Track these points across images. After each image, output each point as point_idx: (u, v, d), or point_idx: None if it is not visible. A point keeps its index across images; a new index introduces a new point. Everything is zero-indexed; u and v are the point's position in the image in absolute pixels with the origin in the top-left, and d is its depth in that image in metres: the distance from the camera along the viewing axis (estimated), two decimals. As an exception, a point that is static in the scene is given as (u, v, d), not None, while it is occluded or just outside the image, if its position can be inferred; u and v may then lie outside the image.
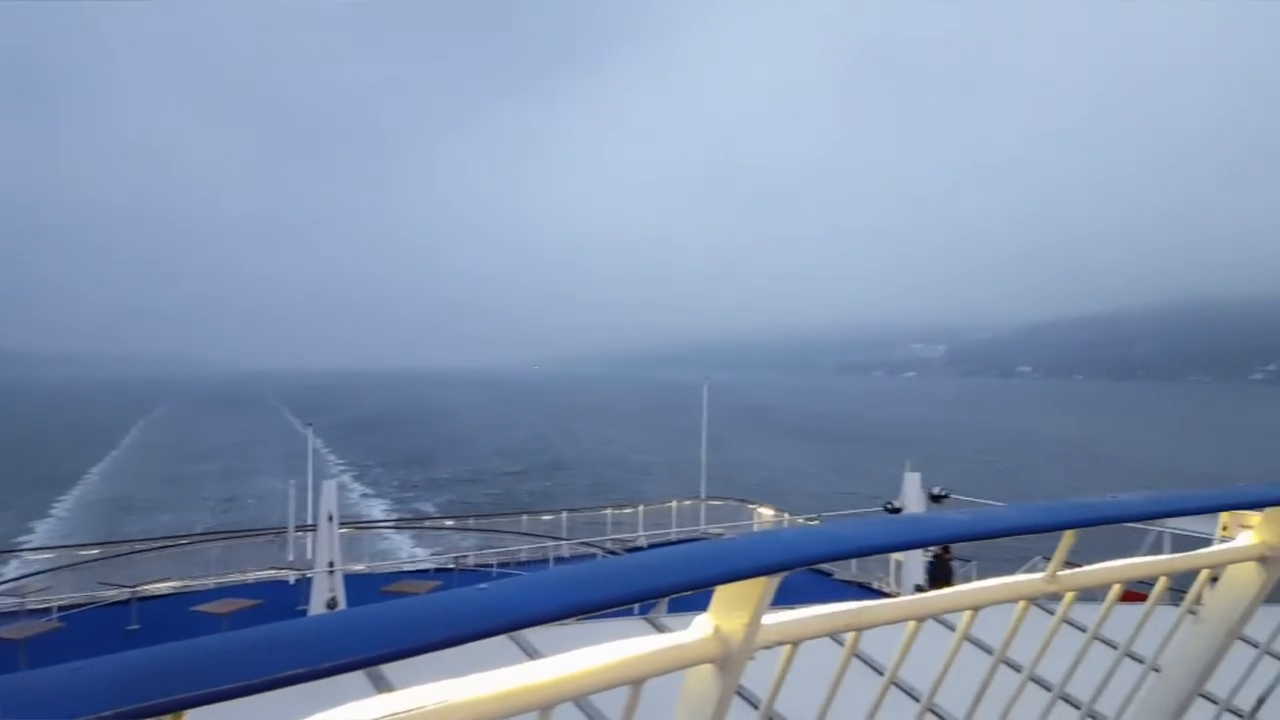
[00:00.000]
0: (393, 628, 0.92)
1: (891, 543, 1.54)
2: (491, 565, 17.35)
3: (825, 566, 14.24)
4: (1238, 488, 2.04)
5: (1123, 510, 1.78)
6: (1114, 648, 2.02)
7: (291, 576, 15.87)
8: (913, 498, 14.03)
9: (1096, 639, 1.93)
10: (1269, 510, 2.08)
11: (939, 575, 13.64)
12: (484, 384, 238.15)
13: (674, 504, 21.22)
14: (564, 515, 20.43)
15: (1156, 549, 9.62)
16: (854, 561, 15.94)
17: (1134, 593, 2.31)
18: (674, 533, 20.13)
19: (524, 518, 21.42)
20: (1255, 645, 2.25)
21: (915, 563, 13.78)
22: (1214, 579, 2.14)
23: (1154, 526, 10.20)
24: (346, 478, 50.17)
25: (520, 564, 17.61)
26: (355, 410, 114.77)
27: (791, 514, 20.53)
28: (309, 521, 17.44)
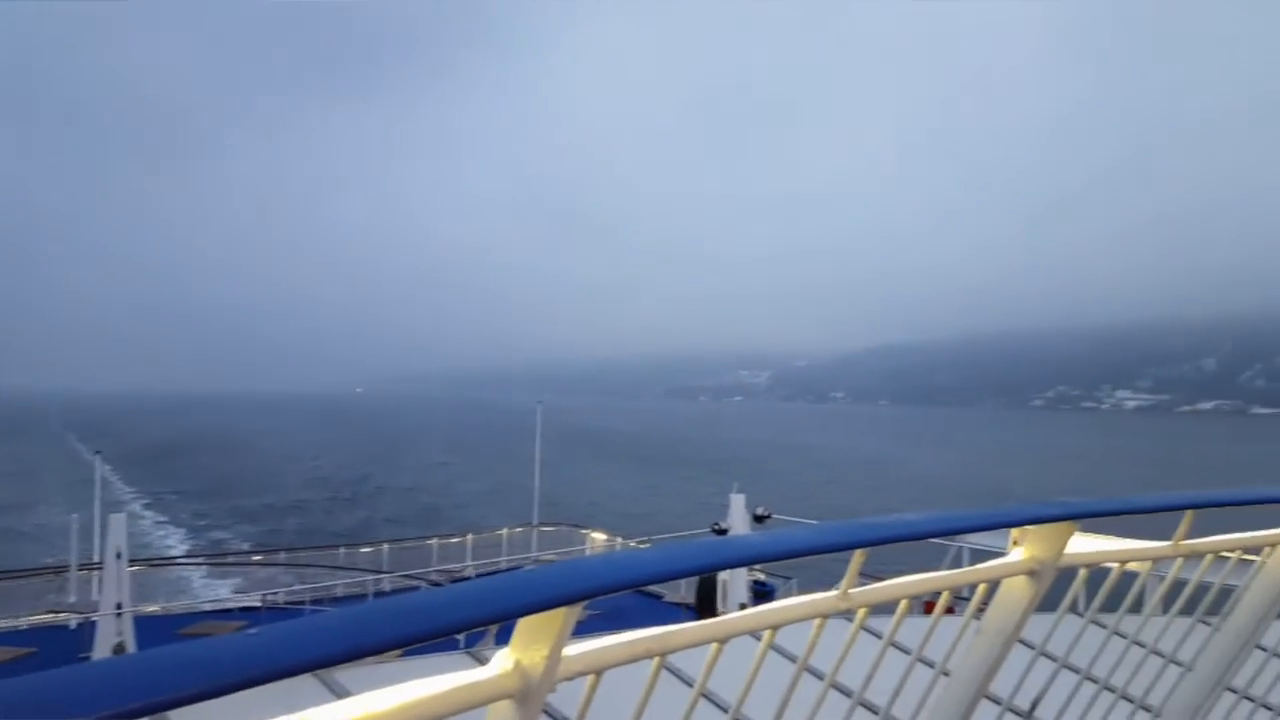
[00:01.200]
0: (166, 672, 0.87)
1: (687, 567, 1.55)
2: (304, 603, 16.42)
3: (656, 589, 14.52)
4: (1012, 507, 2.22)
5: (908, 530, 1.89)
6: (910, 655, 2.18)
7: (73, 620, 14.36)
8: (738, 519, 14.59)
9: (894, 647, 2.05)
10: (1033, 528, 2.27)
11: (704, 599, 14.02)
12: (301, 408, 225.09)
13: (505, 532, 20.98)
14: (385, 547, 19.78)
15: (957, 563, 10.55)
16: (682, 583, 16.35)
17: (934, 604, 2.62)
18: (504, 561, 19.89)
19: (341, 551, 20.51)
20: (1032, 648, 2.54)
21: (740, 583, 14.31)
22: (995, 590, 2.35)
23: (954, 542, 11.15)
24: (138, 506, 45.87)
25: (336, 600, 16.76)
26: (153, 435, 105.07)
27: (624, 538, 20.80)
28: (95, 559, 15.85)
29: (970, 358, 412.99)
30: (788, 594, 14.33)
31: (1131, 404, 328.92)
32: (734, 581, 14.42)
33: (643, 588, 1.35)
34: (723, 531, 14.39)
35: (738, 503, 14.70)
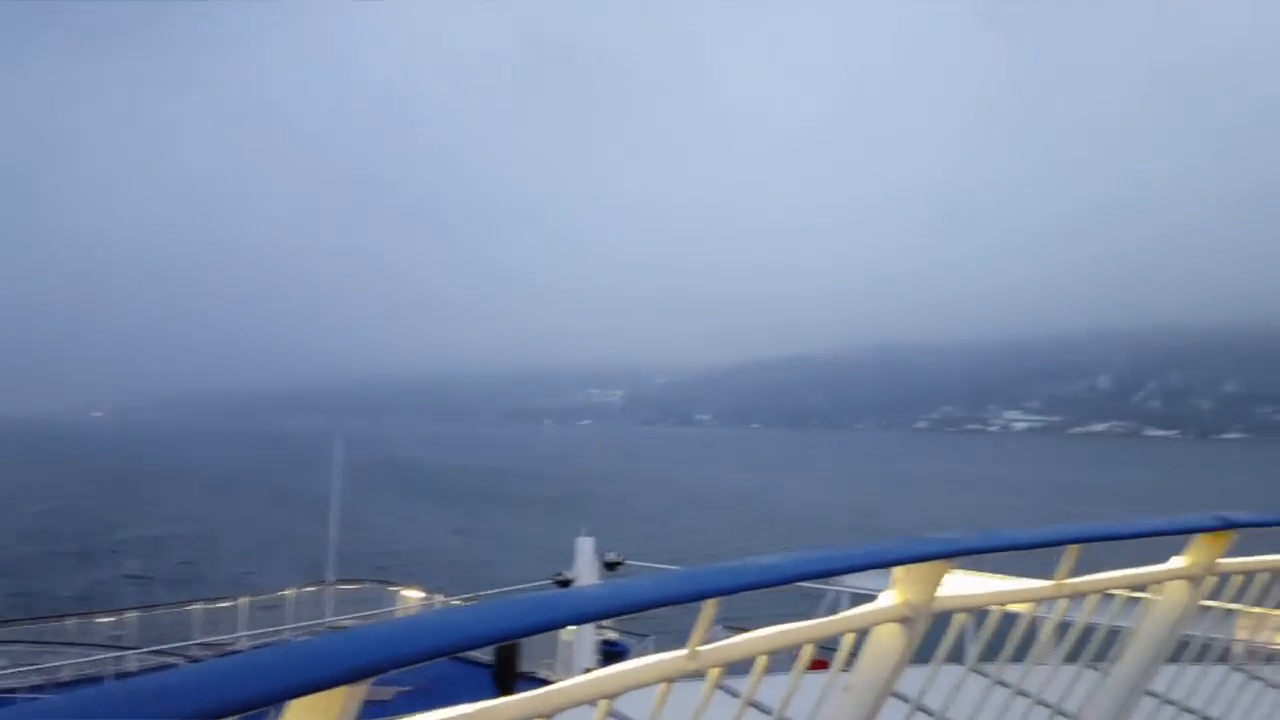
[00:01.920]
0: None
1: (499, 629, 1.50)
2: (16, 691, 15.18)
3: (479, 656, 14.28)
4: (883, 544, 2.29)
5: (765, 575, 1.90)
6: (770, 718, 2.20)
7: None
8: (586, 567, 14.64)
9: (755, 709, 2.07)
10: (907, 568, 2.32)
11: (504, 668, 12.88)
12: (13, 437, 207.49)
13: (291, 593, 20.20)
14: (132, 615, 18.72)
15: (835, 609, 10.95)
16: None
17: (819, 660, 2.67)
18: (289, 629, 19.10)
19: (70, 621, 19.13)
20: (907, 702, 2.65)
21: (586, 644, 14.32)
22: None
23: (830, 586, 11.59)
24: None
25: (62, 685, 15.57)
26: None
27: (446, 596, 20.41)
28: None
29: (850, 375, 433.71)
30: (643, 653, 14.44)
31: (1021, 425, 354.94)
32: (579, 642, 14.42)
33: (467, 655, 1.37)
34: (566, 582, 14.36)
35: (585, 548, 14.74)
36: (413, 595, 20.20)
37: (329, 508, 21.79)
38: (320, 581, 20.99)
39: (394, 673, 1.28)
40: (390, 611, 19.80)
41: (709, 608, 1.83)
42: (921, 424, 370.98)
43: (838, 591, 11.62)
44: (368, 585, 21.41)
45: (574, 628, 13.32)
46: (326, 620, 19.68)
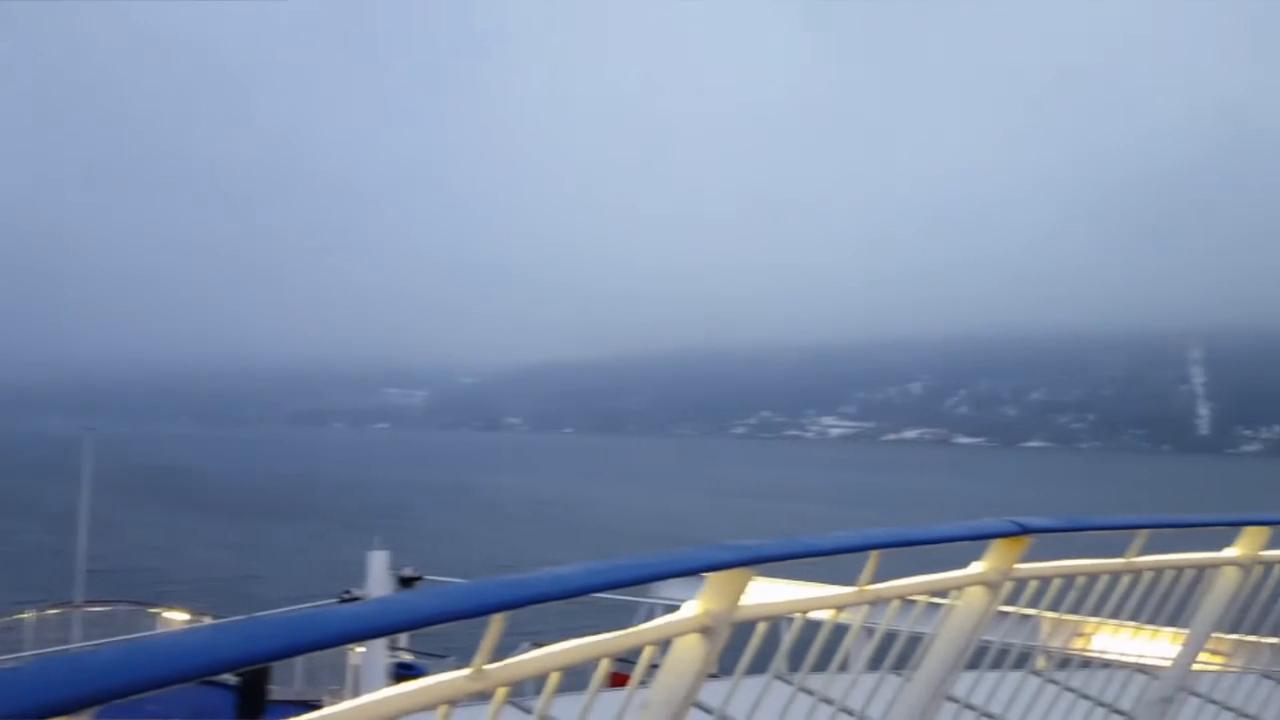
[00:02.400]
0: None
1: (251, 652, 1.44)
2: None
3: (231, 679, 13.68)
4: (683, 552, 2.33)
5: (555, 587, 1.89)
6: None
7: None
8: (378, 583, 14.27)
9: None
10: (711, 577, 2.37)
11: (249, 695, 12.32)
12: None
13: (30, 615, 18.81)
14: None
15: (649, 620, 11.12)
16: (295, 674, 15.65)
17: (622, 675, 2.62)
18: (31, 656, 17.72)
19: None
20: (709, 712, 2.72)
21: (376, 665, 13.99)
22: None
23: (645, 598, 11.76)
24: None
25: None
26: None
27: (215, 617, 19.43)
28: None
29: (672, 377, 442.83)
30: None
31: (836, 431, 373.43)
32: (367, 665, 14.06)
33: (220, 679, 1.30)
34: (355, 599, 13.97)
35: (379, 562, 14.38)
36: (176, 617, 19.13)
37: (76, 518, 20.42)
38: (66, 603, 19.64)
39: (131, 700, 1.19)
40: (149, 636, 18.69)
41: (496, 623, 1.80)
42: (740, 429, 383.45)
43: (652, 604, 11.82)
44: (122, 606, 20.14)
45: (361, 648, 13.01)
46: (73, 646, 18.43)
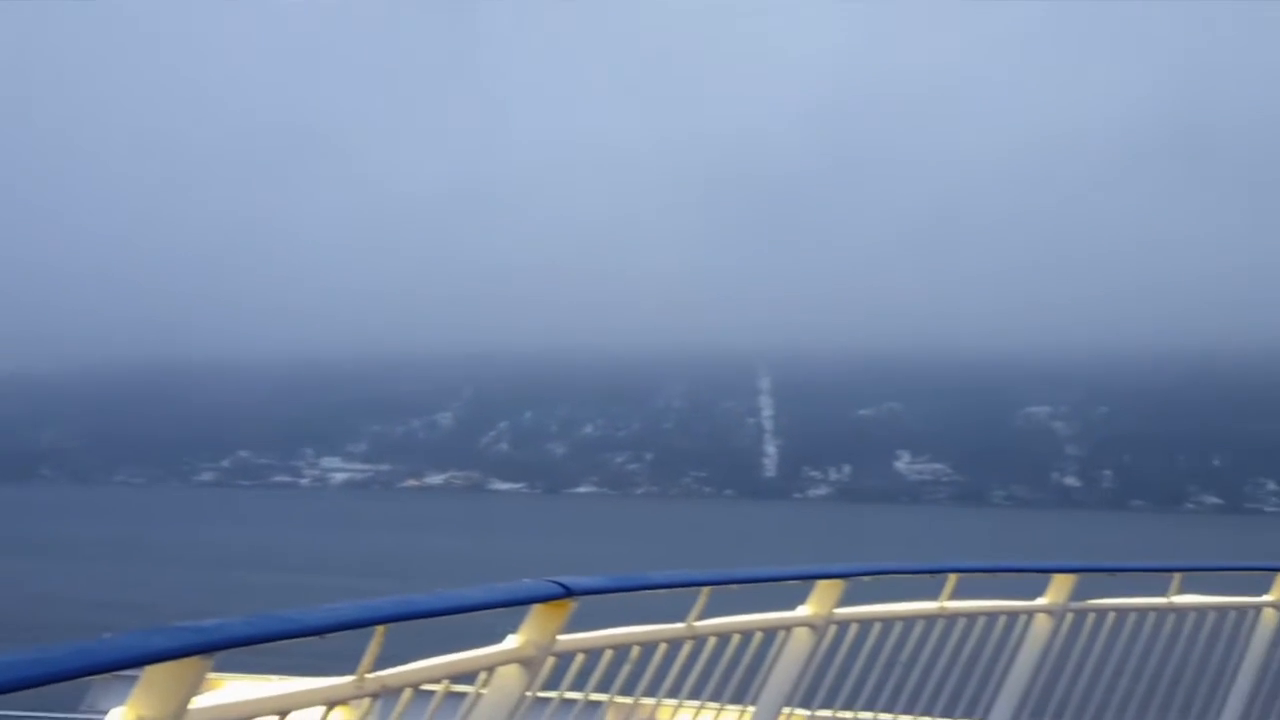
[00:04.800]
0: None
1: None
2: None
3: None
4: (120, 639, 2.29)
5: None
6: None
7: None
8: None
9: None
10: (150, 672, 2.37)
11: None
12: None
13: None
14: None
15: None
16: None
17: None
18: None
19: None
20: None
21: None
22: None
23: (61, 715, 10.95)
24: None
25: None
26: None
27: None
28: None
29: (105, 403, 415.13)
30: None
31: (340, 476, 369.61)
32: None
33: None
34: None
35: None
36: None
37: None
38: None
39: None
40: None
41: None
42: (208, 475, 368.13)
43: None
44: None
45: None
46: None
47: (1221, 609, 8.30)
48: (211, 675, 2.49)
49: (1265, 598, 8.45)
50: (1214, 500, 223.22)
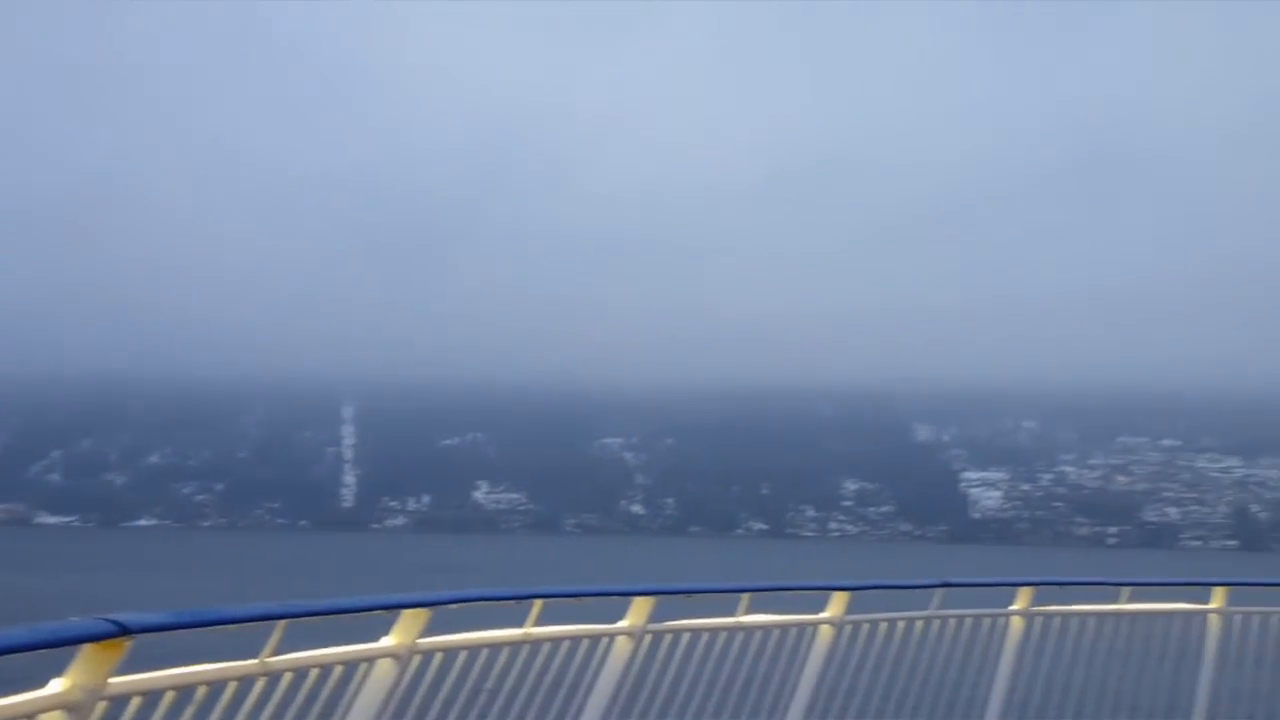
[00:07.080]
0: None
1: None
2: None
3: None
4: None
5: None
6: None
7: None
8: None
9: None
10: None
11: None
12: None
13: None
14: None
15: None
16: None
17: None
18: None
19: None
20: None
21: None
22: None
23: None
24: None
25: None
26: None
27: None
28: None
29: None
30: None
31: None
32: None
33: None
34: None
35: None
36: None
37: None
38: None
39: None
40: None
41: None
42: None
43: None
44: None
45: None
46: None
47: (784, 626, 8.96)
48: None
49: (822, 615, 9.17)
50: (761, 526, 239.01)
